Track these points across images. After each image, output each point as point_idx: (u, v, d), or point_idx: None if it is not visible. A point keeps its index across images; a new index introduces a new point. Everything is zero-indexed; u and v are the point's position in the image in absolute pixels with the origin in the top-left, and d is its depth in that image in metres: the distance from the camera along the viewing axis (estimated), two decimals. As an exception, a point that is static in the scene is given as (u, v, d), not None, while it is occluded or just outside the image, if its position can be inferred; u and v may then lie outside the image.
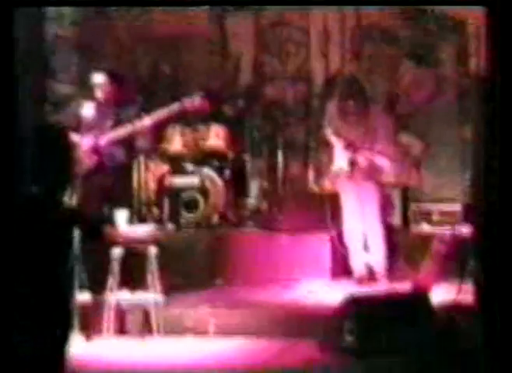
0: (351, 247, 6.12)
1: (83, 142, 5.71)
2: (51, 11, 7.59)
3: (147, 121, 5.64)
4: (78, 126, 5.79)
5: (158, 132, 6.28)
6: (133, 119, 5.65)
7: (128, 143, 5.73)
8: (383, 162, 6.10)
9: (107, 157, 5.65)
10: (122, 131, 5.64)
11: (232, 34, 7.85)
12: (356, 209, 6.06)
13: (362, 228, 6.06)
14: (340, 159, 6.12)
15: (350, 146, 6.06)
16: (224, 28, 7.88)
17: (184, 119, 6.61)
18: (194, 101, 5.72)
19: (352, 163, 6.05)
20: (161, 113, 5.70)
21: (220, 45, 7.89)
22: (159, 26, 7.85)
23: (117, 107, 5.71)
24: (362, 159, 6.04)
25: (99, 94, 5.77)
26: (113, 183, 5.70)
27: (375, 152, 6.05)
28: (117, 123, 5.67)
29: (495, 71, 3.65)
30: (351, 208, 6.09)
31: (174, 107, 5.70)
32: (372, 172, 6.09)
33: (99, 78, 5.78)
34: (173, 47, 7.91)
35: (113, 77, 5.81)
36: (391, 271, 6.22)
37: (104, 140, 5.62)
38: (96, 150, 5.54)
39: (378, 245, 6.06)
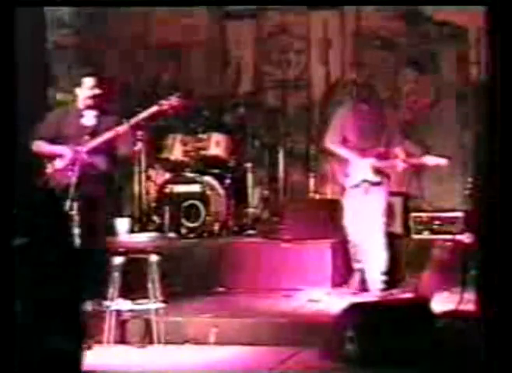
0: (351, 257, 6.09)
1: (64, 152, 5.69)
2: (51, 18, 7.62)
3: (126, 126, 5.63)
4: (58, 136, 5.77)
5: (137, 135, 6.24)
6: (113, 126, 5.64)
7: (108, 150, 5.70)
8: (432, 161, 5.96)
9: (89, 166, 5.62)
10: (100, 139, 5.61)
11: (232, 42, 7.88)
12: (361, 220, 5.99)
13: (364, 239, 5.99)
14: (360, 171, 5.98)
15: (369, 153, 5.97)
16: (224, 36, 7.90)
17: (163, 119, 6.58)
18: (172, 101, 5.71)
19: (377, 170, 5.95)
20: (139, 117, 5.69)
21: (221, 53, 7.91)
22: (159, 33, 7.87)
23: (99, 116, 5.68)
24: (385, 166, 5.96)
25: (83, 102, 5.74)
26: (98, 192, 5.67)
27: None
28: (98, 131, 5.65)
29: (495, 72, 3.65)
30: (355, 218, 6.02)
31: (152, 109, 5.69)
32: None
33: (86, 83, 5.76)
34: (173, 55, 7.93)
35: (99, 85, 5.79)
36: (392, 280, 6.22)
37: (85, 149, 5.58)
38: (77, 160, 5.51)
39: (379, 257, 5.98)
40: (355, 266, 6.10)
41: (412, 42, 7.41)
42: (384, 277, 5.96)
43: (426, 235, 6.70)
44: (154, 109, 5.67)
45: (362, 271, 6.05)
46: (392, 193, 6.86)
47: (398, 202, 6.86)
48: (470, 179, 6.38)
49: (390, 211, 6.71)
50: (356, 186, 6.01)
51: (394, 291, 5.97)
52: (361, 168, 5.97)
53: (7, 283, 3.68)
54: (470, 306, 4.68)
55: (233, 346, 5.11)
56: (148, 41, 7.94)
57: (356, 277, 6.09)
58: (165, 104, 5.69)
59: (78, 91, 5.83)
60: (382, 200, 6.00)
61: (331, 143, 6.16)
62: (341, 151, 6.09)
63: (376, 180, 5.96)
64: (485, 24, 3.75)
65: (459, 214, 6.60)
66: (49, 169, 5.76)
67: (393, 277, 6.27)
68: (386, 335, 4.70)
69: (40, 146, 5.78)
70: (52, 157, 5.76)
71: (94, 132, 5.62)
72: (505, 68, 3.58)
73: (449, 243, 5.98)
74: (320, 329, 5.01)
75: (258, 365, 4.73)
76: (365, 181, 5.98)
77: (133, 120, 5.65)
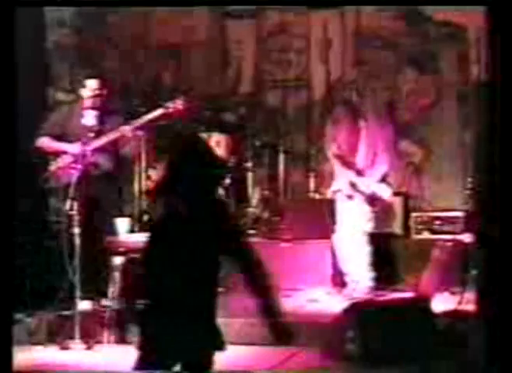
0: (341, 260, 6.05)
1: (68, 150, 5.71)
2: (52, 18, 7.62)
3: (131, 127, 5.66)
4: (63, 134, 5.79)
5: (142, 137, 6.25)
6: (116, 127, 5.67)
7: (112, 150, 5.73)
8: (384, 192, 5.99)
9: (92, 165, 5.64)
10: (105, 139, 5.64)
11: (233, 42, 7.87)
12: (348, 220, 5.97)
13: (353, 240, 5.94)
14: (340, 180, 6.02)
15: (351, 167, 5.98)
16: (225, 36, 7.89)
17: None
18: (177, 104, 5.74)
19: (352, 185, 5.95)
20: (144, 118, 5.72)
21: (221, 53, 7.91)
22: (159, 33, 7.87)
23: (102, 116, 5.71)
24: (363, 185, 5.94)
25: (85, 103, 5.77)
26: (99, 191, 5.70)
27: (377, 179, 5.95)
28: (102, 131, 5.68)
29: (495, 72, 3.65)
30: (343, 219, 6.01)
31: (157, 112, 5.72)
32: (371, 200, 6.00)
33: (89, 86, 5.78)
34: (173, 55, 7.93)
35: (100, 85, 5.81)
36: (392, 279, 6.21)
37: (89, 148, 5.60)
38: (80, 158, 5.53)
39: (366, 258, 5.93)
40: (345, 270, 6.04)
41: (412, 42, 7.40)
42: (373, 277, 5.91)
43: (426, 235, 6.70)
44: (159, 111, 5.70)
45: (351, 275, 6.00)
46: (392, 194, 6.87)
47: (398, 202, 6.86)
48: (470, 179, 6.37)
49: (388, 211, 6.72)
50: (335, 192, 6.08)
51: (390, 291, 5.95)
52: (341, 177, 6.01)
53: (7, 282, 3.68)
54: (470, 306, 4.67)
55: (232, 346, 5.09)
56: (148, 41, 7.94)
57: (348, 282, 6.03)
58: (170, 107, 5.71)
59: (82, 92, 5.85)
60: (359, 211, 5.95)
61: (328, 148, 6.19)
62: (331, 157, 6.12)
63: (349, 194, 5.96)
64: (485, 24, 3.74)
65: (459, 213, 6.60)
66: (52, 167, 5.79)
67: (392, 277, 6.27)
68: (386, 335, 4.70)
69: (45, 143, 5.81)
70: (55, 154, 5.78)
71: (98, 132, 5.64)
72: (505, 68, 3.58)
73: (449, 243, 5.97)
74: (321, 328, 5.01)
75: (258, 365, 4.73)
76: (341, 191, 6.01)
77: (138, 122, 5.69)
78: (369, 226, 5.97)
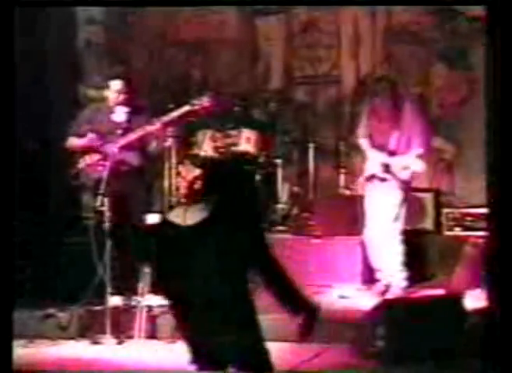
0: (372, 256, 6.00)
1: (96, 148, 5.77)
2: (82, 16, 7.68)
3: (157, 124, 5.70)
4: (91, 132, 5.84)
5: (171, 133, 6.25)
6: (144, 123, 5.71)
7: (139, 147, 5.78)
8: (417, 166, 5.88)
9: (120, 162, 5.69)
10: (133, 135, 5.69)
11: (262, 38, 7.87)
12: (378, 216, 5.91)
13: (383, 236, 5.87)
14: (372, 164, 5.95)
15: (383, 149, 5.91)
16: (254, 32, 7.89)
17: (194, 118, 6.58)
18: (203, 102, 5.76)
19: (386, 167, 5.87)
20: (170, 115, 5.76)
21: (250, 49, 7.91)
22: (188, 29, 7.89)
23: (130, 113, 5.76)
24: (396, 167, 5.85)
25: (114, 99, 5.82)
26: (129, 188, 5.74)
27: (411, 156, 5.85)
28: (130, 128, 5.72)
29: (495, 72, 3.62)
30: (373, 215, 5.95)
31: (184, 109, 5.76)
32: (405, 179, 5.92)
33: (115, 84, 5.83)
34: (203, 51, 7.94)
35: (129, 82, 5.86)
36: (423, 276, 6.17)
37: (117, 145, 5.66)
38: (109, 156, 5.58)
39: (397, 255, 5.87)
40: (376, 266, 6.01)
41: (443, 37, 7.34)
42: (404, 274, 5.87)
43: (457, 232, 6.64)
44: (186, 108, 5.73)
45: (382, 271, 5.96)
46: (423, 190, 6.83)
47: (429, 198, 6.81)
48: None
49: (420, 207, 6.67)
50: (368, 179, 5.98)
51: (421, 288, 5.91)
52: (373, 162, 5.92)
53: (7, 281, 3.70)
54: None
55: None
56: (177, 38, 7.95)
57: (379, 279, 5.99)
58: (196, 104, 5.73)
59: (107, 90, 5.90)
60: (393, 196, 5.84)
61: (356, 136, 6.15)
62: (362, 145, 6.07)
63: (383, 177, 5.86)
64: (485, 23, 3.72)
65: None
66: (81, 164, 5.85)
67: (423, 274, 6.22)
68: (416, 332, 4.67)
69: (73, 142, 5.88)
70: (84, 152, 5.84)
71: (126, 129, 5.69)
72: (505, 68, 3.54)
73: (481, 240, 5.91)
74: (351, 325, 4.99)
75: (287, 362, 4.70)
76: (374, 176, 5.91)
77: (165, 119, 5.72)
78: (399, 216, 5.87)
